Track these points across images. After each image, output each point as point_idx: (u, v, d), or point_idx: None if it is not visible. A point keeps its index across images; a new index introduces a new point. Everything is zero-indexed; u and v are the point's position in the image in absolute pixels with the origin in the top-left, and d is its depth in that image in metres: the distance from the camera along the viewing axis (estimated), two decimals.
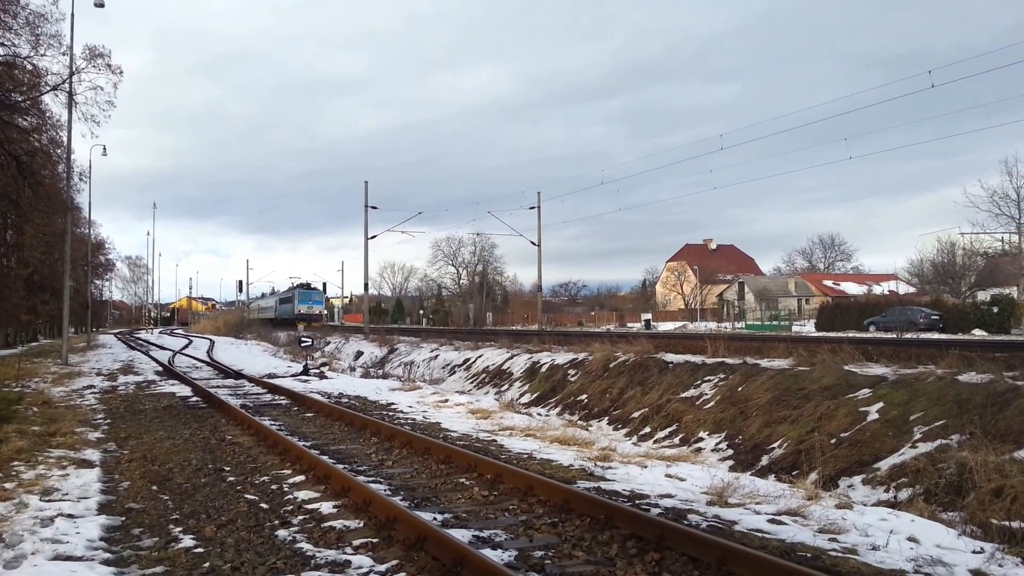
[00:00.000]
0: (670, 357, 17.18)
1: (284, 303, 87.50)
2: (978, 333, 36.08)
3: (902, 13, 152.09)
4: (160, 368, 28.47)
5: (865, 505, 8.27)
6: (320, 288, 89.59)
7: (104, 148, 40.99)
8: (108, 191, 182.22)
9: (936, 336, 21.14)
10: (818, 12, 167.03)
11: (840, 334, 20.46)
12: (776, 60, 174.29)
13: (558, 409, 17.44)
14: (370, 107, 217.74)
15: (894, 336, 22.02)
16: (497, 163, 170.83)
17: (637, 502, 7.78)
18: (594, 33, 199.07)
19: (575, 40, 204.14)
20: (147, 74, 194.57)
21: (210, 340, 56.58)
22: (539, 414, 16.47)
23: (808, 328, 53.41)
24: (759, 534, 6.69)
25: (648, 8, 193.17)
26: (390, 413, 15.26)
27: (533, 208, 49.02)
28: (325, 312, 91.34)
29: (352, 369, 29.80)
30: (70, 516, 7.24)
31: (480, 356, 24.97)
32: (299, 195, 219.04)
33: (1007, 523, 7.48)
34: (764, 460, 11.30)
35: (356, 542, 6.40)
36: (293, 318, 79.04)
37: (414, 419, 14.33)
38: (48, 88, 22.58)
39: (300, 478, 8.94)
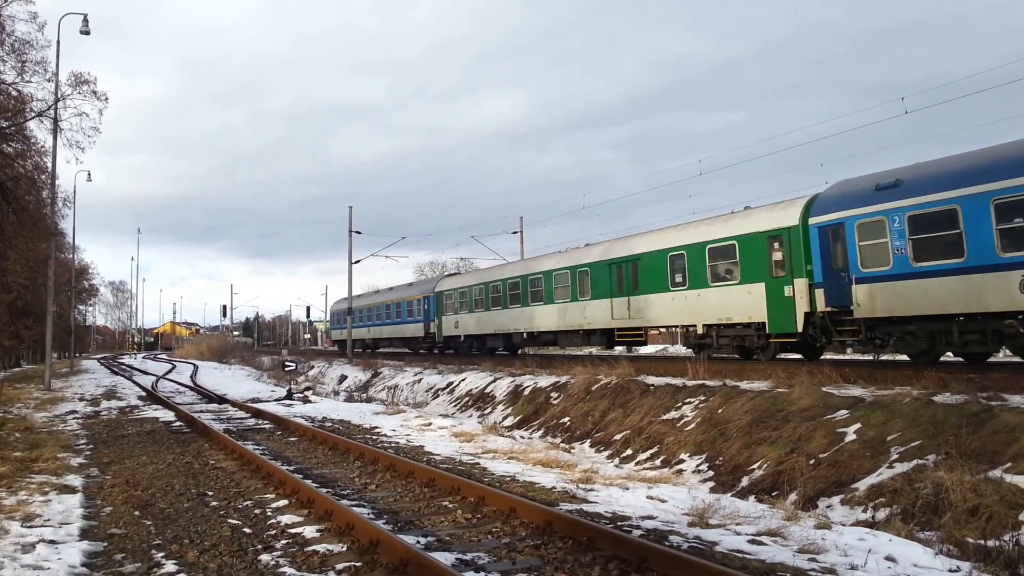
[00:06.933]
0: (651, 379, 17.27)
1: None
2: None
3: (912, 44, 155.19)
4: (143, 393, 28.30)
5: (844, 525, 8.36)
6: None
7: (89, 174, 40.91)
8: (110, 217, 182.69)
9: None
10: (831, 43, 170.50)
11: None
12: (784, 89, 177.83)
13: (540, 432, 17.47)
14: (382, 134, 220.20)
15: (871, 358, 22.20)
16: (501, 188, 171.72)
17: (619, 524, 7.85)
18: (608, 62, 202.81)
19: (590, 69, 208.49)
20: (167, 100, 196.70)
21: (194, 365, 56.25)
22: (522, 437, 16.51)
23: None
24: (740, 555, 6.78)
25: (663, 38, 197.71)
26: (374, 437, 15.27)
27: (516, 232, 49.06)
28: None
29: (336, 393, 29.71)
30: (51, 542, 7.23)
31: (463, 379, 24.97)
32: (301, 221, 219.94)
33: (982, 542, 7.58)
34: (744, 481, 11.38)
35: (339, 566, 6.43)
36: None
37: (398, 442, 14.35)
38: (33, 114, 22.62)
39: (283, 502, 8.96)
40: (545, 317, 28.75)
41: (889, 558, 6.74)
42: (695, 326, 21.39)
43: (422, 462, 11.32)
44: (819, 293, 17.66)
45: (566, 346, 29.12)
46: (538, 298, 29.07)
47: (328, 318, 58.43)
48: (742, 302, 19.68)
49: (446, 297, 38.03)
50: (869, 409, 11.55)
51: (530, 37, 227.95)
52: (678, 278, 22.01)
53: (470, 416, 20.97)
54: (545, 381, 20.52)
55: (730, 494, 10.76)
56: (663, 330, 22.46)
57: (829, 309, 17.49)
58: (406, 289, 47.46)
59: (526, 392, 20.43)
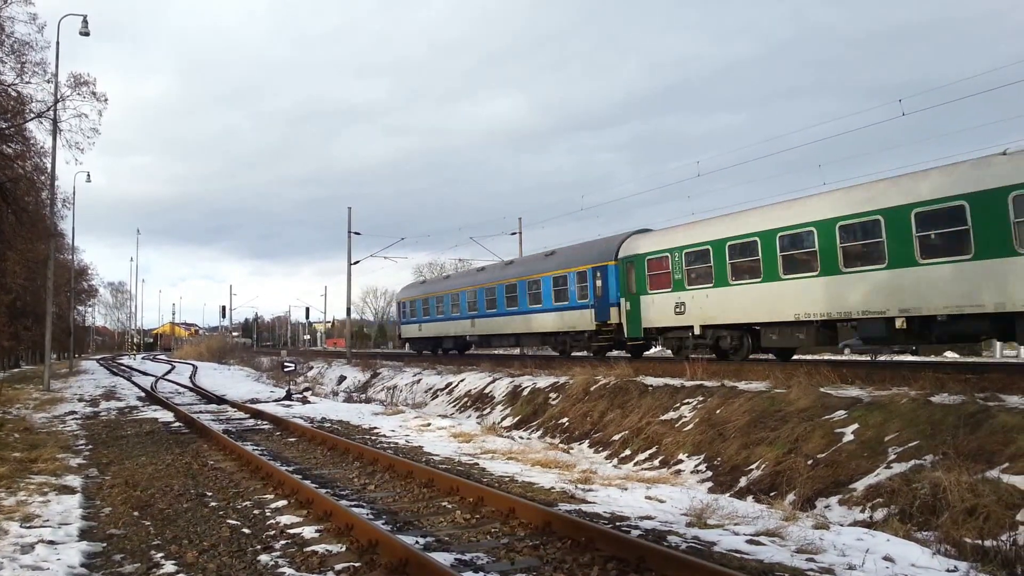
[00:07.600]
0: (650, 380, 17.28)
1: None
2: (950, 355, 36.42)
3: (911, 47, 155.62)
4: (143, 394, 28.29)
5: (842, 525, 8.38)
6: None
7: (88, 175, 40.96)
8: (111, 218, 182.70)
9: (910, 358, 21.42)
10: (832, 45, 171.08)
11: (816, 356, 20.57)
12: (785, 90, 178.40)
13: (539, 432, 17.49)
14: (384, 135, 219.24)
15: (869, 358, 22.20)
16: (502, 189, 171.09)
17: (618, 524, 7.86)
18: (610, 64, 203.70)
19: (591, 71, 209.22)
20: (169, 102, 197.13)
21: (193, 365, 56.25)
22: (520, 437, 16.52)
23: None
24: (738, 555, 6.79)
25: (665, 40, 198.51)
26: (373, 437, 15.28)
27: (515, 234, 49.03)
28: None
29: (335, 394, 29.72)
30: (51, 543, 7.24)
31: (462, 380, 24.98)
32: (301, 222, 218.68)
33: (980, 542, 7.61)
34: (742, 481, 11.40)
35: (338, 566, 6.44)
36: None
37: (396, 443, 14.36)
38: (32, 115, 22.69)
39: (283, 503, 8.97)
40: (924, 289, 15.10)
41: (887, 558, 6.76)
42: None
43: (421, 462, 11.34)
44: None
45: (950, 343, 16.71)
46: (872, 259, 16.17)
47: (396, 311, 42.94)
48: None
49: (649, 265, 22.86)
50: (867, 409, 11.57)
51: (532, 39, 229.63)
52: None
53: (469, 417, 20.99)
54: (544, 382, 20.53)
55: (728, 494, 10.77)
56: None
57: None
58: (542, 261, 30.37)
59: (525, 393, 20.44)
